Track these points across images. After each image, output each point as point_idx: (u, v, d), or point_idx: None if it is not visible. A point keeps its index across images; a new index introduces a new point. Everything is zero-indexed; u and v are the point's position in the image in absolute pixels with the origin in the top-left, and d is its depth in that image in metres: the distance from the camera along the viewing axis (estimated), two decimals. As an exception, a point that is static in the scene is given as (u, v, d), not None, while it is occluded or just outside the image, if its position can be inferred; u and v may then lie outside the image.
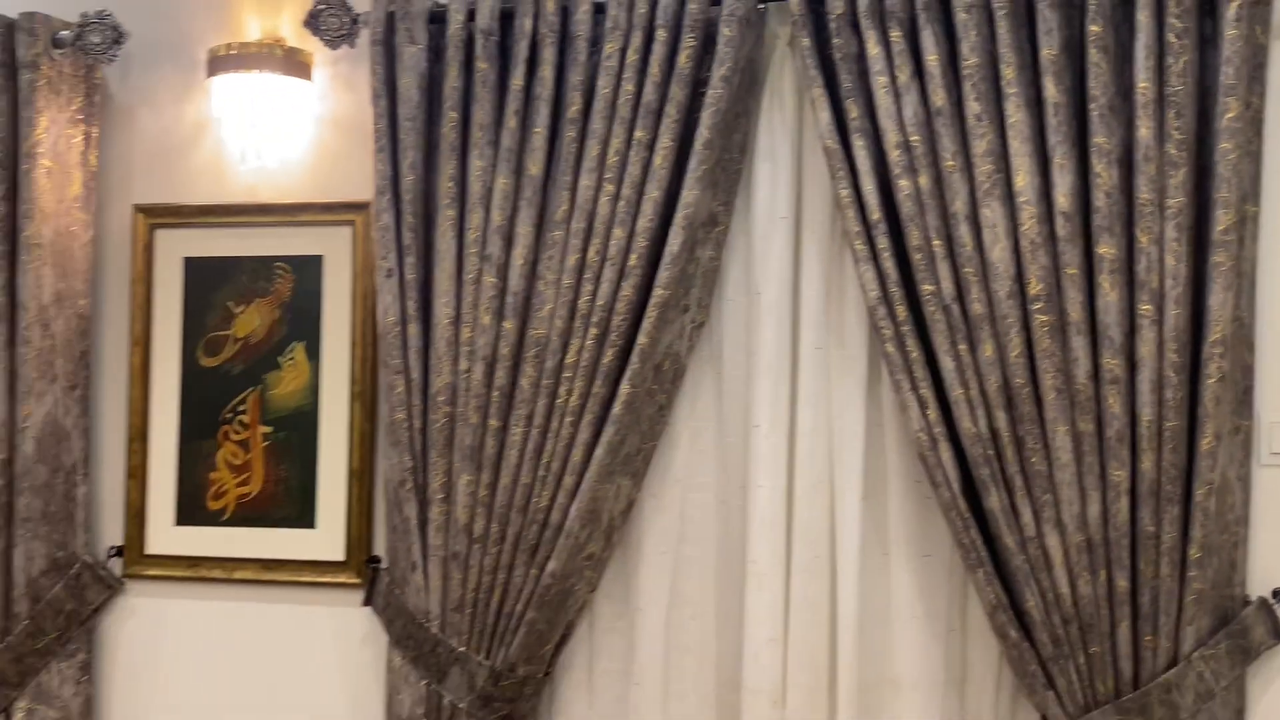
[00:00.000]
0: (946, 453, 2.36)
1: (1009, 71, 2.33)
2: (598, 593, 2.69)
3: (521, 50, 2.60)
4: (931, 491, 2.43)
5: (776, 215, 2.57)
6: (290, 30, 2.86)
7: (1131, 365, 2.28)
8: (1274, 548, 2.39)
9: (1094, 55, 2.29)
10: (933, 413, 2.37)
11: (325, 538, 2.87)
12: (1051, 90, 2.31)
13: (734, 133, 2.58)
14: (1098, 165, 2.29)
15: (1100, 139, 2.30)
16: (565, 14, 2.58)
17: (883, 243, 2.39)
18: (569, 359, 2.56)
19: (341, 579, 2.85)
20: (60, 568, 2.90)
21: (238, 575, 2.91)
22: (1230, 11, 2.25)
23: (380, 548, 2.85)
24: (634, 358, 2.52)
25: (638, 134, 2.52)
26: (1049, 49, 2.31)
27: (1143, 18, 2.26)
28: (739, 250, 2.63)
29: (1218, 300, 2.24)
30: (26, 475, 2.85)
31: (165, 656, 2.99)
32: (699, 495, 2.64)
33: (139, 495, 2.97)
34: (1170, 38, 2.26)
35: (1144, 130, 2.26)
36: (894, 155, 2.40)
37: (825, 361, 2.56)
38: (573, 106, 2.58)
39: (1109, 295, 2.27)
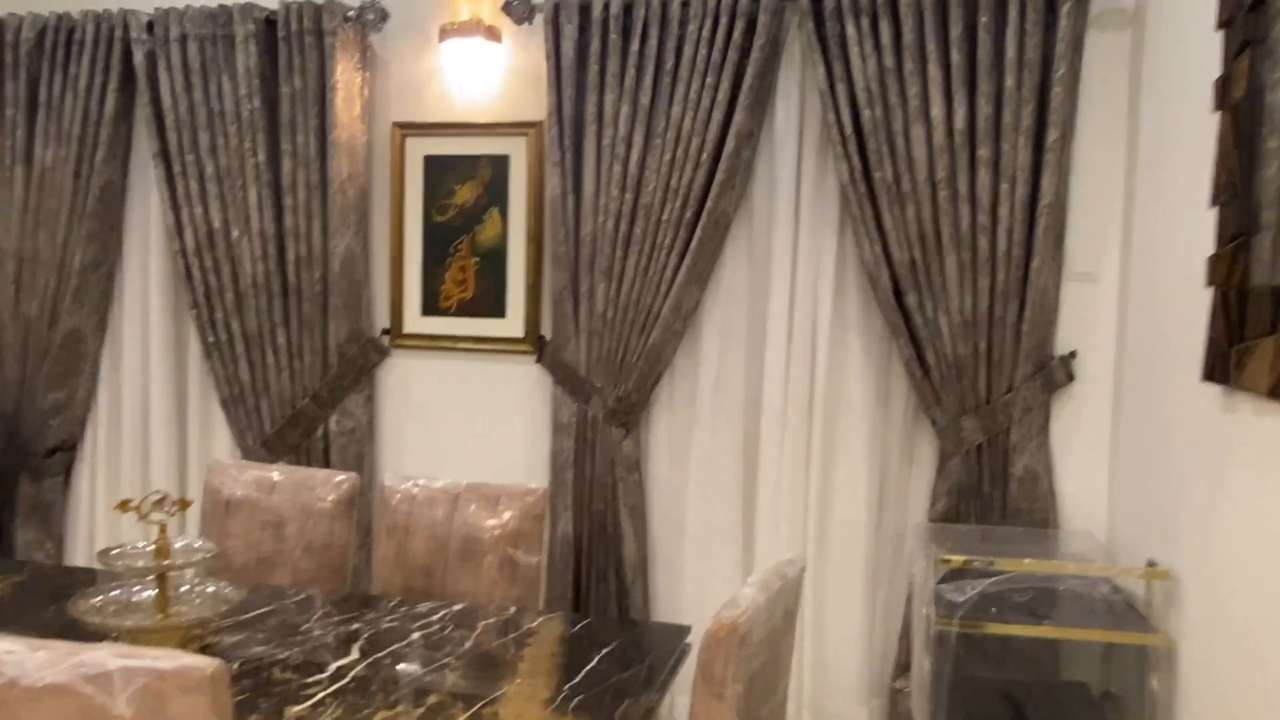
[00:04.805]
0: (884, 271, 2.70)
1: (930, 45, 2.61)
2: (677, 353, 2.97)
3: (637, 28, 2.81)
4: (873, 294, 2.76)
5: (789, 131, 2.84)
6: (488, 12, 3.03)
7: (994, 220, 2.62)
8: (1071, 327, 2.72)
9: (981, 35, 2.58)
10: (877, 248, 2.70)
11: (512, 324, 3.13)
12: (955, 56, 2.59)
13: (765, 80, 2.81)
14: (980, 102, 2.59)
15: (983, 86, 2.59)
16: (664, 5, 2.79)
17: (851, 148, 2.69)
18: (665, 217, 2.84)
19: (522, 348, 3.11)
20: (355, 339, 3.18)
21: (460, 346, 3.17)
22: (1064, 9, 2.52)
23: (546, 330, 3.10)
24: (703, 216, 2.81)
25: (708, 81, 2.77)
26: (955, 30, 2.59)
27: (1012, 12, 2.55)
28: (766, 151, 2.89)
29: (1047, 182, 2.58)
30: (335, 283, 3.12)
31: (416, 394, 3.25)
32: (737, 297, 2.94)
33: (399, 297, 3.22)
34: (1027, 25, 2.55)
35: (1009, 81, 2.56)
36: (860, 95, 2.67)
37: (814, 218, 2.84)
38: (668, 63, 2.80)
39: (983, 179, 2.61)
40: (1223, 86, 1.78)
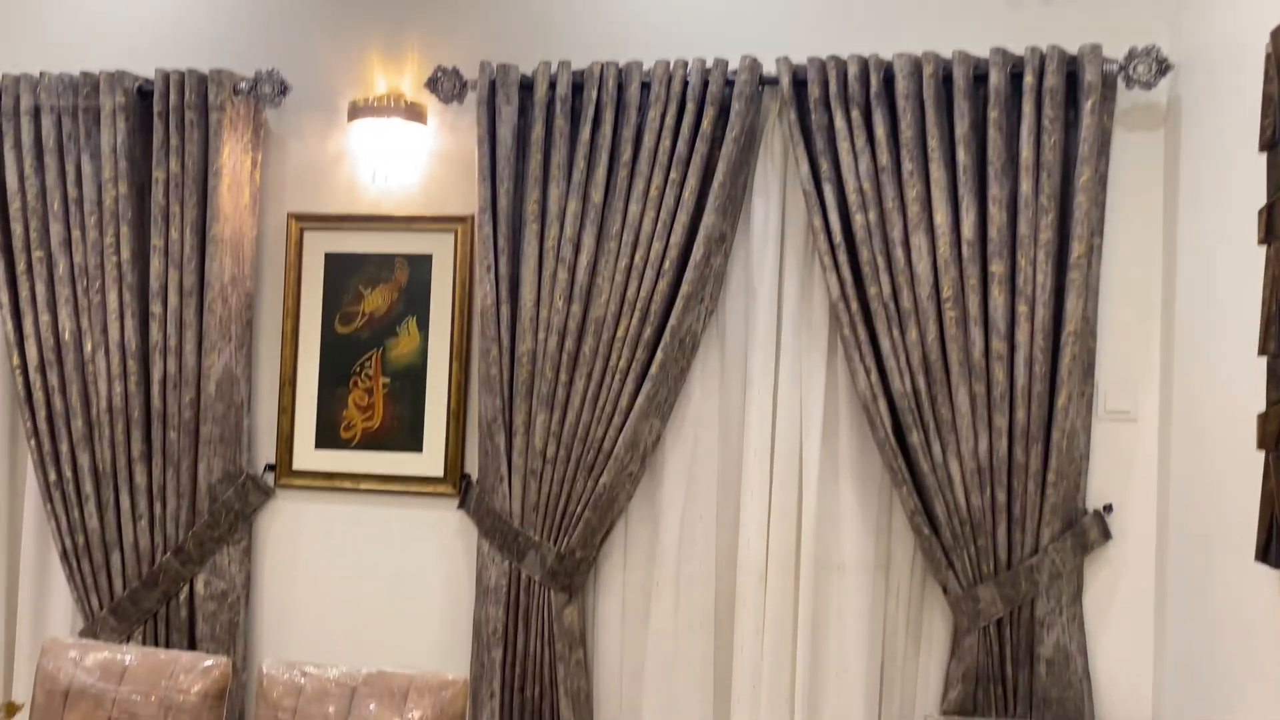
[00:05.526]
0: (882, 405, 2.74)
1: (933, 141, 2.71)
2: (633, 500, 2.97)
3: (589, 112, 2.88)
4: (870, 432, 2.81)
5: (768, 236, 2.93)
6: (410, 86, 3.12)
7: (1011, 347, 2.68)
8: (1104, 475, 2.78)
9: (992, 132, 2.68)
10: (873, 376, 2.75)
11: (429, 459, 3.13)
12: (962, 155, 2.69)
13: (739, 176, 2.89)
14: (992, 209, 2.69)
15: (994, 190, 2.68)
16: (620, 87, 2.88)
17: (842, 258, 2.77)
18: (619, 333, 2.87)
19: (441, 489, 3.10)
20: (231, 478, 3.15)
21: (363, 486, 3.16)
22: (1087, 104, 2.64)
23: (471, 467, 3.08)
24: (665, 334, 2.85)
25: (672, 175, 2.85)
26: (961, 127, 2.69)
27: (1027, 107, 2.66)
28: (740, 259, 2.97)
29: (1072, 304, 2.66)
30: (209, 409, 3.09)
31: (305, 546, 3.22)
32: (707, 432, 2.96)
33: (288, 425, 3.22)
34: (1045, 121, 2.66)
35: (1025, 185, 2.66)
36: (851, 197, 2.76)
37: (798, 340, 2.90)
38: (625, 153, 2.88)
39: (997, 299, 2.68)
40: (1268, 217, 1.88)
